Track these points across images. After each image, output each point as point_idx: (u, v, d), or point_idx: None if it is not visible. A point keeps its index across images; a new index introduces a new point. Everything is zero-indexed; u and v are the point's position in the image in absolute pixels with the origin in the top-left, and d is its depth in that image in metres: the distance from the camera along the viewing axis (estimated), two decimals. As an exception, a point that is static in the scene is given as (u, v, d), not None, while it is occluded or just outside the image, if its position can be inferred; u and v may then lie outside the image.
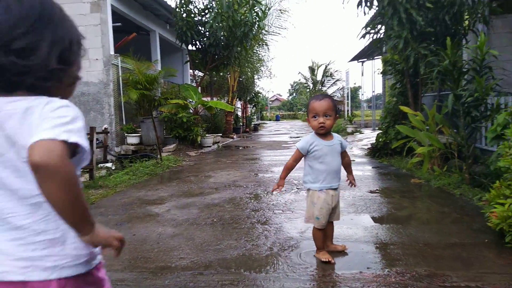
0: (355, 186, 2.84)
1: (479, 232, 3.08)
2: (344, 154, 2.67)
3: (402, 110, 6.35)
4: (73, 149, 0.89)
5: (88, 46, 8.83)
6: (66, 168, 0.83)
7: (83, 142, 0.89)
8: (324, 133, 2.55)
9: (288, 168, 2.68)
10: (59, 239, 0.96)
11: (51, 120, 0.86)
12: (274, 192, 2.43)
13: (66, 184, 0.83)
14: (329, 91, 32.59)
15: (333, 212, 2.65)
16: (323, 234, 2.66)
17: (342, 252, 2.76)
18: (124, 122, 9.41)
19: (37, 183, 0.83)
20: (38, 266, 0.93)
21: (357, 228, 3.31)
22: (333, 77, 32.23)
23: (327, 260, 2.55)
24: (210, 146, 10.77)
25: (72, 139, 0.86)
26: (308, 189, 2.63)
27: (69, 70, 1.00)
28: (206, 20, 10.19)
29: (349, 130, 14.83)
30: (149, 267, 2.63)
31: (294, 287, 2.26)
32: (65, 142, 0.84)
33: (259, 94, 23.07)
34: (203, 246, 2.99)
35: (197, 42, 10.84)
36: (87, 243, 0.95)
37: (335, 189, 2.61)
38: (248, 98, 20.40)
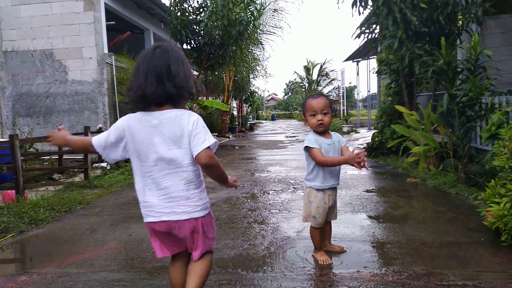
0: (364, 164, 2.36)
1: (475, 231, 3.10)
2: (344, 148, 2.61)
3: (398, 110, 6.37)
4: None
5: (81, 45, 8.77)
6: (216, 161, 1.68)
7: (213, 140, 1.66)
8: (323, 130, 2.54)
9: (327, 160, 2.49)
10: (200, 195, 1.75)
11: (201, 134, 1.64)
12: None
13: (218, 169, 1.71)
14: (325, 91, 32.69)
15: (331, 212, 2.65)
16: (321, 234, 2.65)
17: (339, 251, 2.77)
18: (118, 122, 9.34)
19: (204, 171, 1.73)
20: (196, 208, 1.72)
21: (354, 227, 3.31)
22: (328, 76, 32.35)
23: (324, 263, 2.54)
24: (205, 146, 10.71)
25: (211, 141, 1.64)
26: (306, 187, 2.62)
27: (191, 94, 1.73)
28: (200, 19, 10.15)
29: (345, 129, 14.88)
30: (146, 267, 2.61)
31: (291, 287, 2.25)
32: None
33: (254, 94, 23.07)
34: (200, 246, 2.97)
35: (192, 41, 10.79)
36: (226, 187, 2.22)
37: (334, 188, 2.61)
38: (244, 98, 20.39)
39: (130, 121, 1.71)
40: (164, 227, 1.72)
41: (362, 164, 2.33)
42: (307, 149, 2.53)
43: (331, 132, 2.63)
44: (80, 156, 7.85)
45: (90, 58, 8.75)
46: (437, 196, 4.33)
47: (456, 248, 2.75)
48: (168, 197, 1.69)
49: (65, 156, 7.85)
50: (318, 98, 2.55)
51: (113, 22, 9.69)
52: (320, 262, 2.56)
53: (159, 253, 1.82)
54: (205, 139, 1.63)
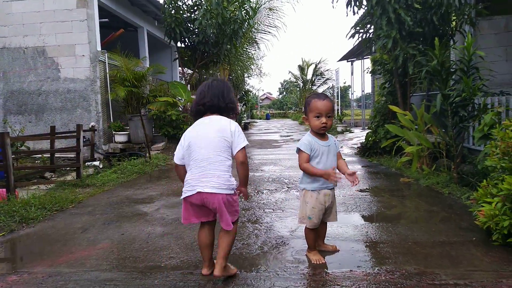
0: (358, 183, 2.53)
1: (467, 230, 3.12)
2: (338, 155, 2.65)
3: (391, 110, 6.40)
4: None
5: (74, 42, 8.68)
6: (247, 160, 2.38)
7: (246, 143, 2.36)
8: (324, 133, 2.56)
9: (307, 168, 2.52)
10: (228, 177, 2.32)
11: (240, 137, 2.34)
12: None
13: (247, 167, 2.41)
14: (319, 90, 32.72)
15: (329, 212, 2.65)
16: (315, 234, 2.65)
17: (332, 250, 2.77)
18: (111, 120, 9.28)
19: (238, 167, 2.37)
20: (224, 187, 2.28)
21: (347, 226, 3.32)
22: (323, 76, 32.40)
23: (317, 262, 2.54)
24: (199, 145, 10.68)
25: (245, 143, 2.35)
26: (303, 189, 2.61)
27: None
28: (195, 17, 10.10)
29: (339, 129, 14.91)
30: (138, 267, 2.59)
31: (284, 286, 2.25)
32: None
33: (249, 93, 23.03)
34: (193, 245, 2.96)
35: (186, 39, 10.73)
36: (243, 191, 2.47)
37: (331, 189, 2.61)
38: (238, 97, 20.34)
39: (186, 134, 2.43)
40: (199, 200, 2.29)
41: (355, 182, 2.49)
42: (298, 150, 2.56)
43: (328, 134, 2.63)
44: (72, 155, 7.79)
45: (83, 55, 8.68)
46: (430, 196, 4.36)
47: (448, 248, 2.77)
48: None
49: (57, 155, 7.78)
50: (324, 100, 2.51)
51: (106, 20, 9.63)
52: (313, 262, 2.55)
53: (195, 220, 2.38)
54: (244, 141, 2.35)
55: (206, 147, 2.29)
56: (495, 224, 2.71)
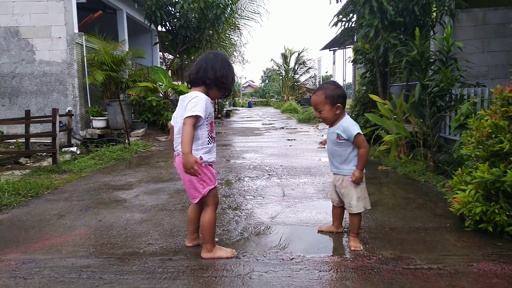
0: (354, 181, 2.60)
1: (441, 217, 3.22)
2: (355, 143, 2.56)
3: (372, 99, 6.47)
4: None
5: (50, 23, 8.36)
6: (188, 126, 2.20)
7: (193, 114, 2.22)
8: (327, 123, 2.69)
9: None
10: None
11: (189, 106, 2.25)
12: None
13: (186, 132, 2.19)
14: (301, 79, 32.81)
15: (343, 199, 2.73)
16: (333, 215, 2.88)
17: (311, 236, 2.81)
18: (89, 105, 9.04)
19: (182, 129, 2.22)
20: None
21: (326, 213, 3.36)
22: (305, 65, 32.39)
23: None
24: (180, 131, 10.56)
25: (191, 113, 2.22)
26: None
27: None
28: (176, 0, 9.87)
29: (320, 117, 15.00)
30: (116, 253, 2.56)
31: (263, 271, 2.27)
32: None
33: (231, 80, 22.75)
34: (173, 231, 2.94)
35: (167, 23, 10.50)
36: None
37: (336, 174, 2.71)
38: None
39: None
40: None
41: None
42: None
43: (342, 121, 2.60)
44: (48, 140, 7.57)
45: (59, 37, 8.38)
46: (406, 184, 4.46)
47: (423, 233, 2.85)
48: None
49: (32, 140, 7.54)
50: (314, 94, 2.67)
51: (84, 1, 9.28)
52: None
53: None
54: (190, 111, 2.24)
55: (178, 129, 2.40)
56: (468, 211, 2.80)
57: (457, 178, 3.11)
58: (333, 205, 2.86)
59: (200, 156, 2.33)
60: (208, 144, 2.38)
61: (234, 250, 2.53)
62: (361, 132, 2.55)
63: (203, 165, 2.35)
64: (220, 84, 2.38)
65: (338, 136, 2.58)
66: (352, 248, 2.58)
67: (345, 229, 2.96)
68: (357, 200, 2.62)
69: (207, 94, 2.36)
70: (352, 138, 2.54)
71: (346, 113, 2.66)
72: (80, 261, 2.44)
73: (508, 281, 2.12)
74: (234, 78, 2.48)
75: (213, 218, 2.44)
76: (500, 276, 2.17)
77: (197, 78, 2.37)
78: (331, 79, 26.53)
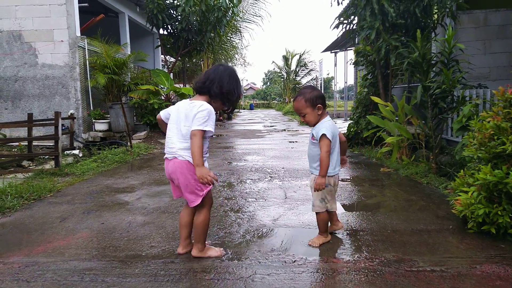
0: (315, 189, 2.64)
1: (444, 219, 3.21)
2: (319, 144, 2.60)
3: (373, 101, 6.47)
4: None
5: (52, 27, 8.40)
6: (196, 138, 2.27)
7: (203, 128, 2.27)
8: (310, 126, 2.72)
9: None
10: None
11: (197, 120, 2.29)
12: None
13: (195, 143, 2.26)
14: (303, 81, 32.79)
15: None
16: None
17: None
18: (91, 108, 9.07)
19: (191, 139, 2.28)
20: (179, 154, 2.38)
21: (328, 215, 3.36)
22: (307, 67, 32.40)
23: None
24: (182, 134, 10.57)
25: (200, 127, 2.26)
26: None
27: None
28: (178, 3, 9.92)
29: (321, 119, 14.99)
30: (118, 256, 2.56)
31: (266, 274, 2.27)
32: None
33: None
34: (175, 234, 2.95)
35: (169, 26, 10.54)
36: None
37: (311, 173, 2.74)
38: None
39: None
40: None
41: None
42: None
43: (320, 122, 2.65)
44: (51, 143, 7.59)
45: (62, 41, 8.41)
46: (409, 186, 4.45)
47: (426, 235, 2.84)
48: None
49: (35, 143, 7.57)
50: (294, 101, 2.73)
51: (86, 4, 9.32)
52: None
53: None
54: (198, 125, 2.27)
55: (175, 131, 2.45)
56: (470, 213, 2.79)
57: (460, 180, 3.10)
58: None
59: None
60: (206, 154, 2.41)
61: (222, 249, 2.58)
62: (326, 135, 2.52)
63: None
64: (224, 98, 2.42)
65: (313, 136, 2.65)
66: (309, 243, 2.70)
67: (347, 230, 2.96)
68: (320, 201, 2.67)
69: (210, 104, 2.37)
70: (319, 138, 2.58)
71: (327, 115, 2.73)
72: (82, 264, 2.45)
73: (512, 283, 2.11)
74: (240, 95, 2.52)
75: (207, 218, 2.48)
76: (504, 279, 2.16)
77: (203, 87, 2.39)
78: (333, 81, 26.51)
